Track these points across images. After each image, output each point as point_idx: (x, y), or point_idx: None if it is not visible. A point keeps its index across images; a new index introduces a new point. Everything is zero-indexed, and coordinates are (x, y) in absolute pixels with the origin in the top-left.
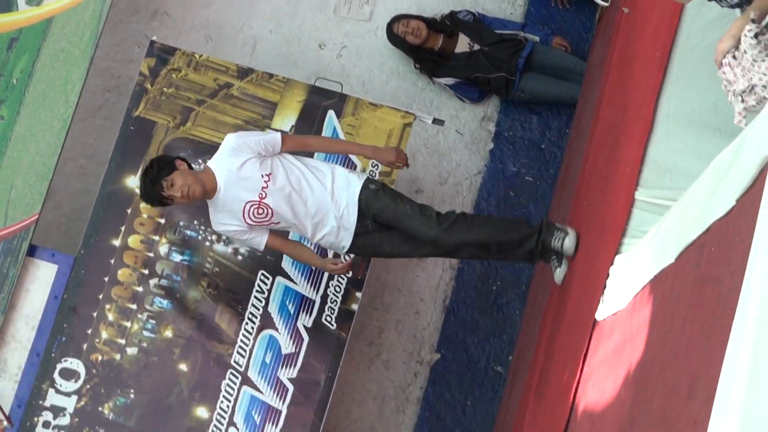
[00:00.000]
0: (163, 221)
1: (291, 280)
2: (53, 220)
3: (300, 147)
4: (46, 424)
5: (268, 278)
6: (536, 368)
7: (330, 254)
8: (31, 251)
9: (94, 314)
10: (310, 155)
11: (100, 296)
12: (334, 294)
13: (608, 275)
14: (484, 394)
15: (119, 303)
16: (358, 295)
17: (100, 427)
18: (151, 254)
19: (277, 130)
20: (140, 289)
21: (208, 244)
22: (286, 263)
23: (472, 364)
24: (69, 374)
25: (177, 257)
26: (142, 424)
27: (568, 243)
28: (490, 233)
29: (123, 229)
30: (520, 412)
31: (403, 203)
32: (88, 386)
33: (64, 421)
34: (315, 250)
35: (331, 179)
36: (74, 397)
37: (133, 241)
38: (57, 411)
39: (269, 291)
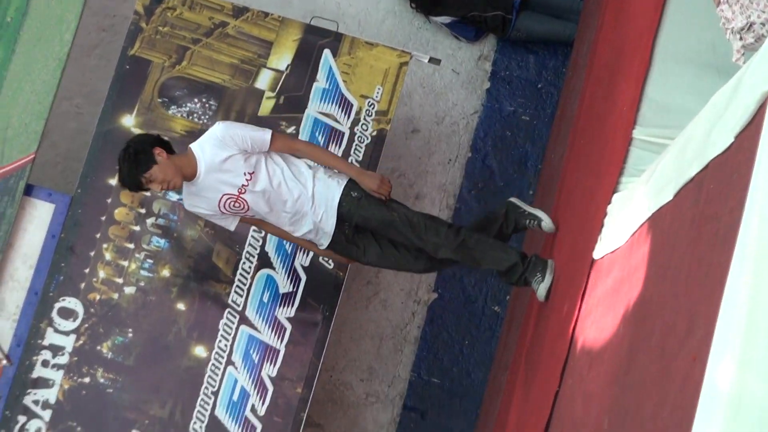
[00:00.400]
0: None
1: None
2: (50, 159)
3: (288, 150)
4: (45, 363)
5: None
6: (534, 308)
7: None
8: (28, 190)
9: (92, 253)
10: None
11: (98, 235)
12: None
13: (606, 214)
14: (482, 334)
15: (116, 242)
16: None
17: (98, 365)
18: (148, 193)
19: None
20: (137, 228)
21: None
22: None
23: (470, 304)
24: (67, 313)
25: (174, 196)
26: (140, 362)
27: (543, 288)
28: (478, 258)
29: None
30: (517, 352)
31: (390, 212)
32: (87, 325)
33: (63, 359)
34: None
35: (312, 184)
36: (73, 336)
37: None
38: (56, 350)
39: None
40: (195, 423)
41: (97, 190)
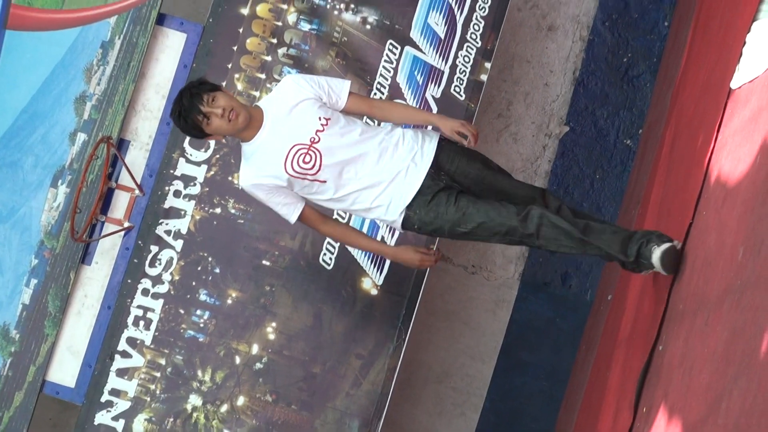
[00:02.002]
0: None
1: (420, 50)
2: None
3: (367, 108)
4: (177, 194)
5: (396, 48)
6: (667, 141)
7: (382, 232)
8: (160, 20)
9: (223, 83)
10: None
11: (229, 65)
12: (463, 64)
13: (744, 43)
14: (613, 168)
15: (248, 72)
16: (487, 65)
17: (229, 196)
18: (280, 23)
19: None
20: (269, 58)
21: (336, 12)
22: (415, 32)
23: (602, 138)
24: (199, 144)
25: (305, 26)
26: None
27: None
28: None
29: None
30: (649, 185)
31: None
32: (218, 156)
33: (195, 190)
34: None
35: (401, 130)
36: (204, 167)
37: (262, 9)
38: (187, 180)
39: (397, 61)
40: (325, 255)
41: (229, 19)
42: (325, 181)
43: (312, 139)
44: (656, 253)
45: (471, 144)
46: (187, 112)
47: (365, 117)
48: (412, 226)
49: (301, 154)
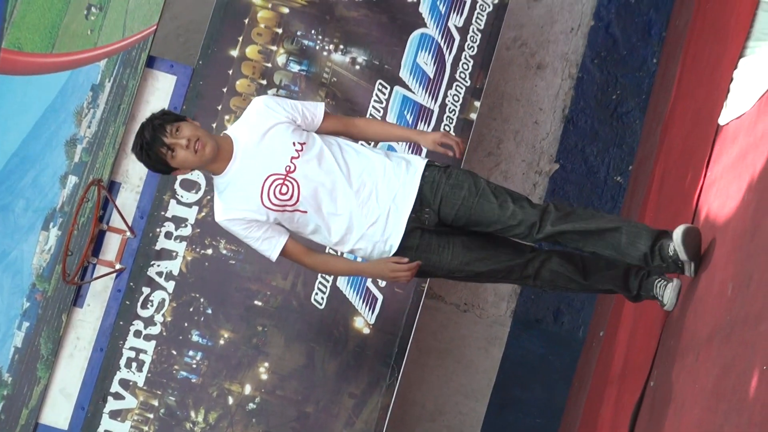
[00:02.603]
0: (280, 31)
1: (409, 89)
2: (171, 31)
3: (343, 127)
4: (168, 235)
5: (386, 88)
6: (657, 177)
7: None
8: (150, 62)
9: (214, 125)
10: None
11: (219, 107)
12: (452, 103)
13: (732, 79)
14: (604, 205)
15: (238, 114)
16: (477, 104)
17: (221, 237)
18: (269, 64)
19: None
20: None
21: (325, 53)
22: (404, 72)
23: (592, 175)
24: (190, 185)
25: (295, 67)
26: None
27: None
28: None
29: (240, 39)
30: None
31: (495, 191)
32: (209, 197)
33: (186, 231)
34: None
35: (382, 155)
36: (195, 208)
37: (251, 51)
38: (179, 221)
39: (387, 101)
40: (316, 294)
41: (219, 62)
42: (305, 212)
43: (287, 168)
44: (667, 293)
45: (456, 154)
46: (149, 146)
47: (340, 141)
48: None
49: (277, 185)
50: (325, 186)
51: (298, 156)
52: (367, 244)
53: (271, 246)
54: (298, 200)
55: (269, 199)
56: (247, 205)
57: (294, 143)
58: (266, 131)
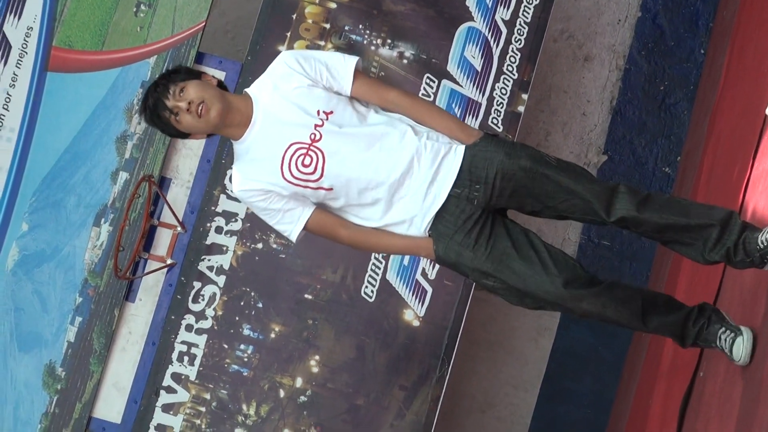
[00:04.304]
0: (328, 26)
1: (457, 83)
2: (219, 27)
3: (377, 97)
4: (218, 230)
5: (434, 81)
6: (705, 168)
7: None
8: (199, 58)
9: None
10: None
11: None
12: (500, 96)
13: None
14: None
15: None
16: (524, 96)
17: (271, 231)
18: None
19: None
20: None
21: (373, 48)
22: (452, 66)
23: (640, 166)
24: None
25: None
26: None
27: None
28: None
29: (288, 34)
30: None
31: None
32: None
33: (236, 226)
34: None
35: (422, 130)
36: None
37: (299, 46)
38: (229, 216)
39: (435, 94)
40: (366, 287)
41: (267, 57)
42: (331, 189)
43: (312, 137)
44: (737, 348)
45: None
46: (152, 110)
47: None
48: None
49: (300, 155)
50: (353, 160)
51: (322, 124)
52: (402, 218)
53: (294, 219)
54: (322, 175)
55: (290, 171)
56: (267, 177)
57: (319, 111)
58: (288, 94)
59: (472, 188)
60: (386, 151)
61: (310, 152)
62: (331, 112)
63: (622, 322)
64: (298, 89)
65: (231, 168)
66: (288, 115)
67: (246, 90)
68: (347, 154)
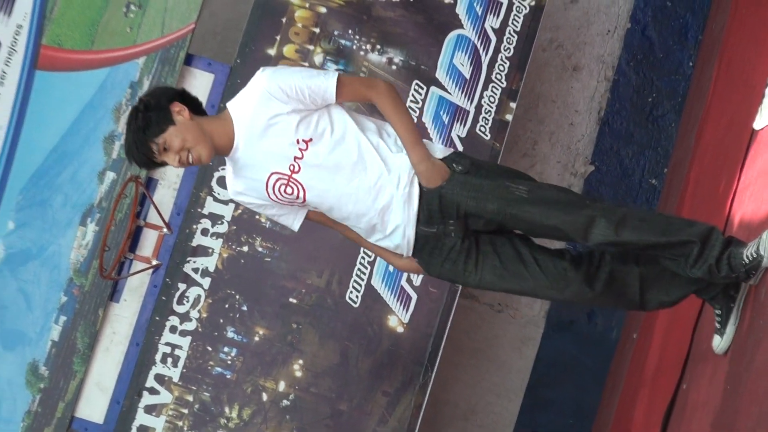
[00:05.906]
0: (317, 31)
1: (445, 90)
2: (209, 29)
3: (361, 99)
4: (204, 232)
5: (422, 88)
6: (692, 180)
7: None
8: (188, 60)
9: None
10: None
11: None
12: (488, 104)
13: (767, 84)
14: (639, 207)
15: None
16: (513, 105)
17: (257, 234)
18: (306, 63)
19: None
20: None
21: (362, 53)
22: (441, 73)
23: (627, 177)
24: (226, 183)
25: (332, 66)
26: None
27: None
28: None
29: (278, 38)
30: None
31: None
32: None
33: (222, 228)
34: None
35: (395, 155)
36: (231, 205)
37: (288, 50)
38: (215, 218)
39: (423, 101)
40: (351, 293)
41: (257, 60)
42: (316, 209)
43: (291, 168)
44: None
45: None
46: (139, 162)
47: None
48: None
49: (281, 185)
50: (332, 194)
51: (302, 156)
52: (387, 243)
53: (290, 219)
54: (304, 200)
55: (275, 194)
56: (256, 194)
57: (298, 140)
58: (267, 123)
59: (446, 224)
60: (364, 190)
61: (290, 183)
62: (310, 140)
63: (624, 309)
64: (278, 117)
65: (217, 171)
66: (267, 144)
67: (227, 106)
68: (326, 189)
